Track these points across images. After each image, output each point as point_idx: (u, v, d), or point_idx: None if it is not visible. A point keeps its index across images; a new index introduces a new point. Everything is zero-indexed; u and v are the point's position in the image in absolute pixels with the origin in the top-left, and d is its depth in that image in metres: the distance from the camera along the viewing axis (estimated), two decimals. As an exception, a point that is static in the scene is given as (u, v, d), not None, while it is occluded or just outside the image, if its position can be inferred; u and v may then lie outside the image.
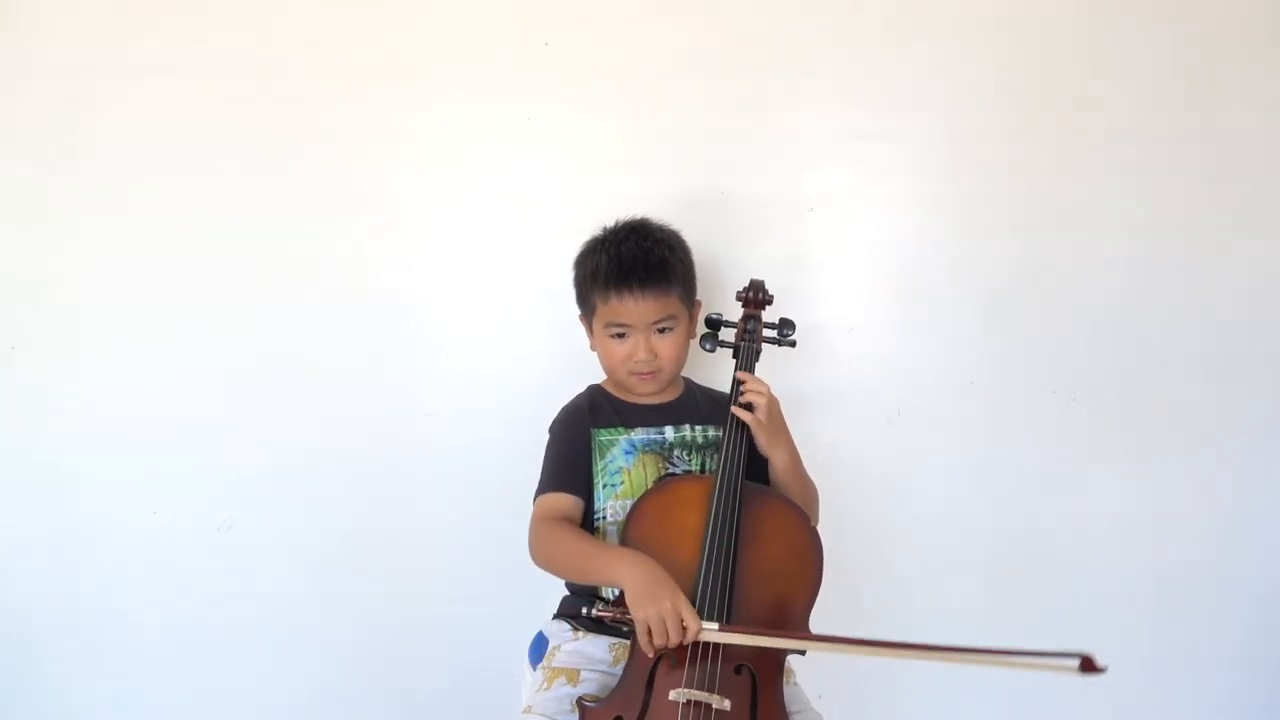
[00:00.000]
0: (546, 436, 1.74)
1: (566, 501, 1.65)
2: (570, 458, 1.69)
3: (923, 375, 2.17)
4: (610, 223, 1.76)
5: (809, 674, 1.68)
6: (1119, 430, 2.19)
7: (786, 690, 1.54)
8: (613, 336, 1.69)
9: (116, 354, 2.10)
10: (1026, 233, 2.14)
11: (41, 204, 2.08)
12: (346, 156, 2.09)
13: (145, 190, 2.08)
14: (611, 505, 1.67)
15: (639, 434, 1.72)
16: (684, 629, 1.40)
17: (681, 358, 1.73)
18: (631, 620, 1.42)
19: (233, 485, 2.13)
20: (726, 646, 1.44)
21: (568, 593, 1.76)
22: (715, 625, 1.42)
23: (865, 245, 2.16)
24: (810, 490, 1.71)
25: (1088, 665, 1.26)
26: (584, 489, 1.67)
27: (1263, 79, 2.13)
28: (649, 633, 1.41)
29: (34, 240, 2.09)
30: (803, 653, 1.55)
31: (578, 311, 1.78)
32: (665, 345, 1.69)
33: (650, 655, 1.43)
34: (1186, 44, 2.14)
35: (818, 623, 1.54)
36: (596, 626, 1.66)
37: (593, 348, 1.77)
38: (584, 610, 1.48)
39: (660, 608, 1.40)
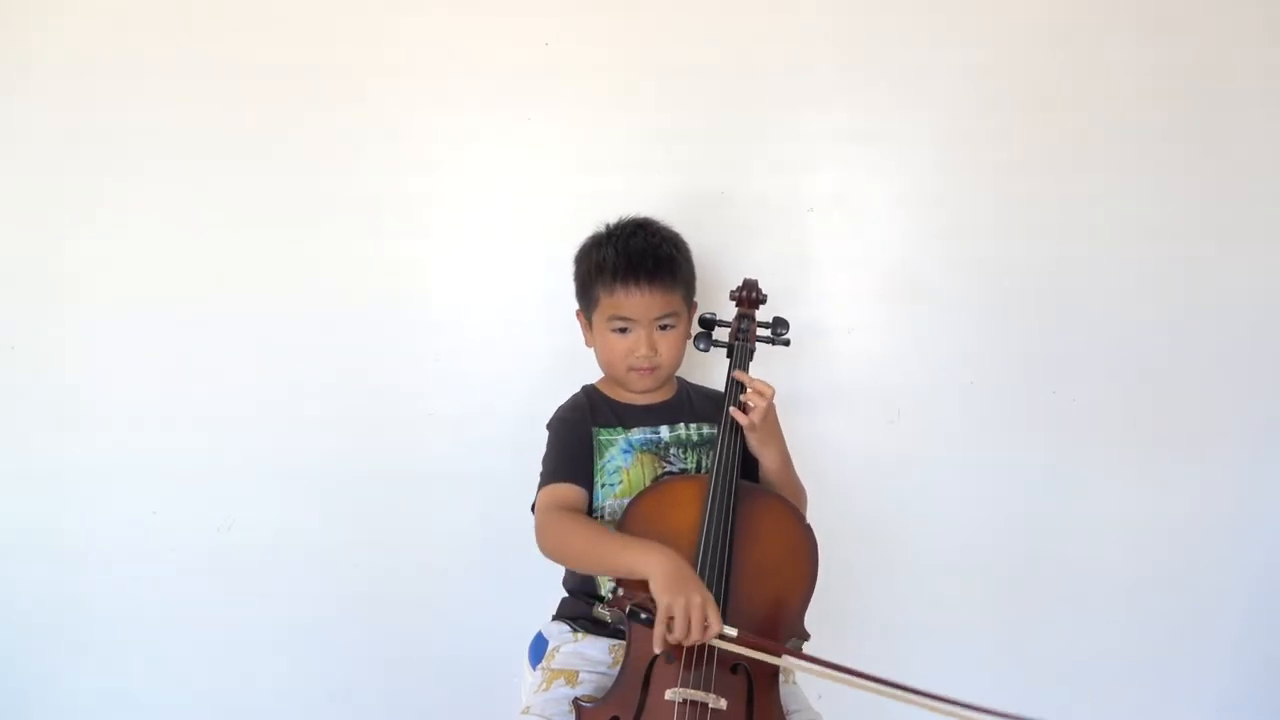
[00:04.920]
0: (545, 435, 1.74)
1: (573, 492, 1.63)
2: (574, 450, 1.69)
3: (923, 375, 2.17)
4: (606, 222, 1.76)
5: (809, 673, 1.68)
6: (1119, 431, 2.19)
7: (785, 690, 1.54)
8: (614, 331, 1.69)
9: (116, 354, 2.10)
10: (1026, 233, 2.14)
11: (42, 204, 2.08)
12: (346, 156, 2.09)
13: (145, 190, 2.08)
14: (610, 504, 1.67)
15: (636, 434, 1.72)
16: (705, 628, 1.37)
17: (679, 357, 1.74)
18: (649, 605, 1.39)
19: (233, 485, 2.14)
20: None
21: (566, 594, 1.76)
22: (734, 632, 1.40)
23: (865, 245, 2.15)
24: (799, 492, 1.71)
25: None
26: (587, 482, 1.66)
27: (1263, 79, 2.13)
28: (668, 620, 1.37)
29: (34, 240, 2.09)
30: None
31: (575, 307, 1.78)
32: (666, 342, 1.69)
33: (659, 649, 1.39)
34: (1187, 44, 2.13)
35: (815, 623, 1.54)
36: (595, 628, 1.66)
37: (589, 343, 1.77)
38: (609, 592, 1.44)
39: (690, 599, 1.37)
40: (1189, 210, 2.14)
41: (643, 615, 1.41)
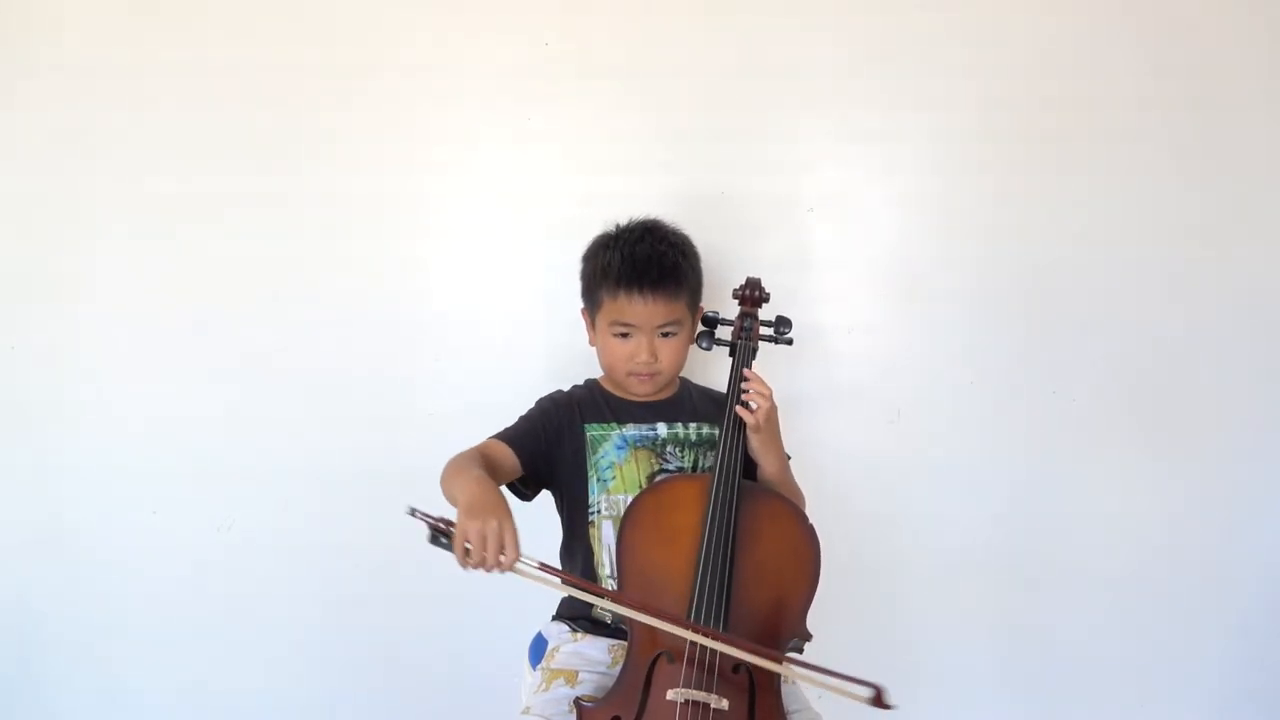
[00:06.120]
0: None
1: (501, 449, 1.63)
2: (535, 429, 1.69)
3: (923, 375, 2.17)
4: (617, 221, 1.75)
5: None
6: (1118, 430, 2.19)
7: (785, 690, 1.54)
8: (616, 335, 1.68)
9: (116, 354, 2.11)
10: (1026, 233, 2.14)
11: (42, 204, 2.09)
12: (347, 157, 2.10)
13: (146, 190, 2.08)
14: (606, 499, 1.67)
15: (630, 430, 1.72)
16: (500, 556, 1.34)
17: (680, 362, 1.73)
18: (446, 529, 1.35)
19: (233, 485, 2.14)
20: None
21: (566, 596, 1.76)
22: (536, 562, 1.38)
23: (865, 245, 2.16)
24: (798, 497, 1.70)
25: (878, 700, 1.36)
26: (528, 458, 1.65)
27: (1263, 79, 2.13)
28: (465, 547, 1.34)
29: (34, 240, 2.09)
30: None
31: (580, 305, 1.78)
32: (667, 349, 1.69)
33: (465, 569, 1.35)
34: (1186, 45, 2.13)
35: (817, 622, 1.54)
36: (595, 628, 1.66)
37: (592, 343, 1.77)
38: (411, 510, 1.39)
39: (485, 524, 1.34)
40: (1189, 210, 2.14)
41: (441, 539, 1.37)
